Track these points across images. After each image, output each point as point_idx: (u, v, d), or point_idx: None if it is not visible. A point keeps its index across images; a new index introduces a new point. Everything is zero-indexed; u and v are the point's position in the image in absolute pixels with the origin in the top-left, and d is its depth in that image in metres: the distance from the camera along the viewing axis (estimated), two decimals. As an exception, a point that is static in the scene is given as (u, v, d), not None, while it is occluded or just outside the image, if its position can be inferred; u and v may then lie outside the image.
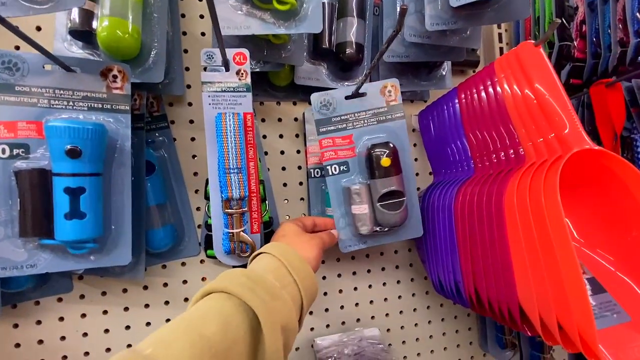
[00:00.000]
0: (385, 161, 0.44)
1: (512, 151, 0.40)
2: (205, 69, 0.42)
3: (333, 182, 0.47)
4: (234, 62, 0.40)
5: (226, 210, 0.39)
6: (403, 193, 0.46)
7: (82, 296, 0.50)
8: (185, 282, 0.54)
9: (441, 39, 0.47)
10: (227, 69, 0.40)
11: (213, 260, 0.54)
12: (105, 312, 0.51)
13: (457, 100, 0.52)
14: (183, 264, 0.54)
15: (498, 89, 0.42)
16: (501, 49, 0.68)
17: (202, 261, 0.55)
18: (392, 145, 0.45)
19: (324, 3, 0.50)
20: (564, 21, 0.61)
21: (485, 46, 0.70)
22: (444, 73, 0.58)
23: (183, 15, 0.54)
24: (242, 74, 0.40)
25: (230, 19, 0.40)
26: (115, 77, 0.39)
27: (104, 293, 0.51)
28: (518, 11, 0.42)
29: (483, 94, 0.46)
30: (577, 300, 0.29)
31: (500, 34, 0.69)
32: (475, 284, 0.43)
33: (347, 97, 0.47)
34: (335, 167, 0.47)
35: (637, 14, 0.59)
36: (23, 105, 0.36)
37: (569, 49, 0.63)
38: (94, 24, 0.40)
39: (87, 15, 0.40)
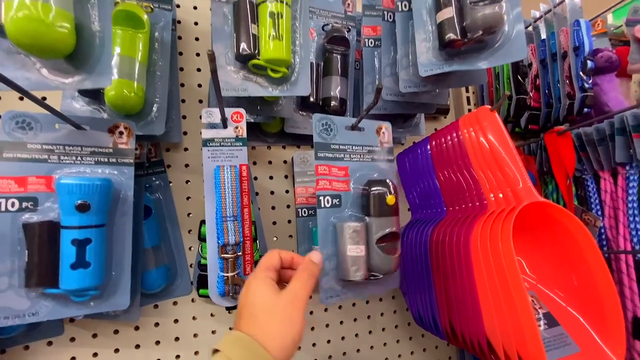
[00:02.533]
0: (391, 199, 0.43)
1: (477, 200, 0.46)
2: (200, 118, 0.47)
3: (323, 217, 0.44)
4: (232, 119, 0.45)
5: (222, 255, 0.42)
6: (399, 235, 0.44)
7: (72, 339, 0.50)
8: (176, 321, 0.55)
9: (414, 97, 0.54)
10: (225, 126, 0.44)
11: (204, 299, 0.56)
12: (95, 354, 0.51)
13: (429, 147, 0.58)
14: (175, 303, 0.56)
15: (462, 142, 0.49)
16: (468, 98, 0.77)
17: (193, 300, 0.57)
18: (393, 184, 0.44)
19: (311, 63, 0.56)
20: (519, 78, 0.70)
21: (454, 94, 0.78)
22: (418, 121, 0.65)
23: (181, 69, 0.59)
24: (239, 130, 0.45)
25: (229, 82, 0.45)
26: (121, 133, 0.43)
27: (94, 335, 0.51)
28: (477, 78, 0.50)
29: (450, 144, 0.52)
30: (530, 333, 0.34)
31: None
32: (449, 318, 0.48)
33: (347, 128, 0.47)
34: (328, 199, 0.44)
35: (581, 73, 0.69)
36: (34, 161, 0.39)
37: (525, 100, 0.72)
38: (103, 85, 0.44)
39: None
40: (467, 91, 0.77)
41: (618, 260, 0.61)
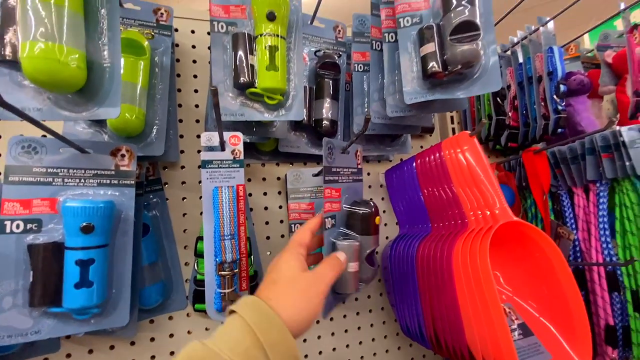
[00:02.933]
0: (378, 219, 0.48)
1: (459, 218, 0.50)
2: (197, 137, 0.49)
3: (326, 237, 0.46)
4: (230, 143, 0.47)
5: (220, 273, 0.45)
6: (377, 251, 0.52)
7: (68, 355, 0.51)
8: (172, 335, 0.57)
9: (400, 120, 0.58)
10: (223, 149, 0.47)
11: (199, 314, 0.58)
12: (91, 370, 0.52)
13: (414, 165, 0.62)
14: (170, 317, 0.57)
15: (444, 162, 0.53)
16: (452, 117, 0.81)
17: (188, 314, 0.58)
18: (375, 204, 0.49)
19: (304, 87, 0.59)
20: (499, 100, 0.75)
21: (438, 113, 0.82)
22: (404, 140, 0.69)
23: (179, 90, 0.62)
24: (237, 153, 0.48)
25: (227, 107, 0.47)
26: (123, 155, 0.45)
27: (90, 351, 0.52)
28: (458, 105, 0.54)
29: (434, 164, 0.56)
30: (504, 343, 0.37)
31: (450, 104, 0.83)
32: (434, 328, 0.51)
33: (341, 152, 0.51)
34: (329, 221, 0.47)
35: (555, 96, 0.74)
36: (39, 184, 0.40)
37: (504, 121, 0.76)
38: (106, 109, 0.46)
39: (101, 103, 0.46)
40: (450, 111, 0.82)
41: (591, 271, 0.65)
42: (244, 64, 0.46)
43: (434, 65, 0.46)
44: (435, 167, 0.54)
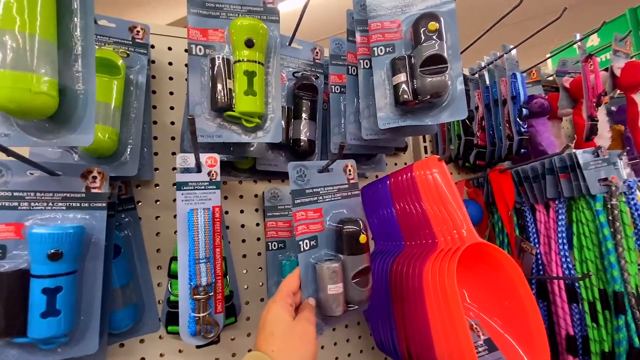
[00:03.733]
0: (363, 238, 0.46)
1: (430, 238, 0.52)
2: (172, 154, 0.49)
3: (304, 259, 0.46)
4: (206, 164, 0.48)
5: (194, 297, 0.44)
6: (370, 268, 0.48)
7: (30, 385, 0.49)
8: (143, 359, 0.55)
9: (374, 142, 0.60)
10: (200, 171, 0.47)
11: (172, 336, 0.57)
12: (55, 399, 0.50)
13: (388, 183, 0.64)
14: (142, 340, 0.56)
15: (416, 182, 0.55)
16: (424, 136, 0.85)
17: (160, 337, 0.57)
18: (363, 222, 0.47)
19: (282, 107, 0.60)
20: (467, 121, 0.80)
21: (412, 132, 0.86)
22: (380, 159, 0.71)
23: (154, 107, 0.61)
24: (213, 174, 0.48)
25: (204, 129, 0.48)
26: (94, 177, 0.44)
27: (55, 379, 0.50)
28: (429, 130, 0.57)
29: (406, 184, 0.58)
30: (468, 356, 0.39)
31: (423, 123, 0.86)
32: (407, 344, 0.52)
33: (319, 171, 0.49)
34: (307, 243, 0.46)
35: (517, 119, 0.80)
36: (4, 209, 0.39)
37: (472, 141, 0.81)
38: (77, 130, 0.45)
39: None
40: (422, 135, 0.85)
41: (552, 283, 0.70)
42: (222, 88, 0.46)
43: (405, 94, 0.48)
44: (407, 187, 0.57)
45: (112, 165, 0.49)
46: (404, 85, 0.48)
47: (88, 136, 0.34)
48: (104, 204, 0.44)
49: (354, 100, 0.59)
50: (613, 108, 1.04)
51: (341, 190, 0.51)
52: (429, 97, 0.47)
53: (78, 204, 0.43)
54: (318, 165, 0.49)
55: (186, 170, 0.47)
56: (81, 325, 0.42)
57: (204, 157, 0.48)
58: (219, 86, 0.46)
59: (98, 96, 0.46)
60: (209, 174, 0.48)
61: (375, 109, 0.52)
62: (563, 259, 0.70)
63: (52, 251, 0.37)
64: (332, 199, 0.50)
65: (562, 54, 0.99)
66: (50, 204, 0.41)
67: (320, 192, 0.49)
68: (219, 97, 0.46)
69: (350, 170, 0.52)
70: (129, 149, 0.51)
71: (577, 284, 0.68)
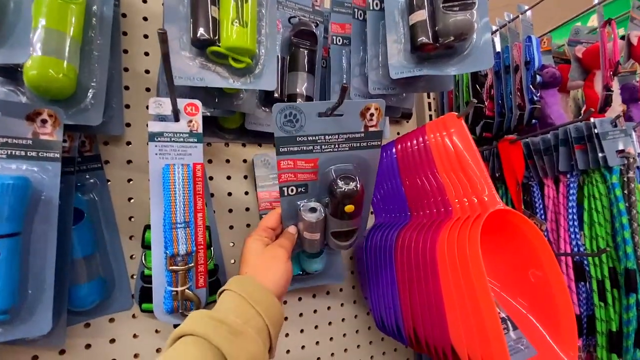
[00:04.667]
0: (349, 208, 0.42)
1: (442, 206, 0.46)
2: (147, 108, 0.41)
3: (287, 203, 0.43)
4: (185, 112, 0.39)
5: (170, 268, 0.37)
6: (356, 230, 0.46)
7: (-26, 370, 0.41)
8: (113, 341, 0.48)
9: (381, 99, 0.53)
10: (177, 119, 0.39)
11: (147, 315, 0.50)
12: (7, 387, 0.43)
13: (394, 151, 0.57)
14: (111, 320, 0.49)
15: (429, 146, 0.49)
16: (429, 103, 0.78)
17: (134, 315, 0.50)
18: (359, 188, 0.41)
19: (277, 56, 0.52)
20: (477, 87, 0.73)
21: (415, 99, 0.79)
22: (382, 124, 0.64)
23: (125, 51, 0.52)
24: (193, 124, 0.40)
25: (183, 69, 0.39)
26: (44, 121, 0.35)
27: (5, 364, 0.43)
28: (444, 84, 0.50)
29: (416, 148, 0.52)
30: (495, 340, 0.34)
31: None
32: (414, 325, 0.47)
33: (320, 115, 0.39)
34: (292, 189, 0.42)
35: (530, 86, 0.74)
36: None
37: (482, 109, 0.75)
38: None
39: (13, 52, 0.36)
40: (428, 97, 0.79)
41: (559, 261, 0.66)
42: (205, 17, 0.38)
43: (423, 36, 0.41)
44: (418, 153, 0.50)
45: (70, 112, 0.40)
46: (422, 26, 0.41)
47: (21, 51, 0.25)
48: (57, 155, 0.36)
49: (360, 50, 0.52)
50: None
51: (352, 139, 0.41)
52: (451, 38, 0.40)
53: (23, 152, 0.34)
54: (318, 108, 0.38)
55: (161, 118, 0.39)
56: (29, 301, 0.34)
57: (182, 103, 0.39)
58: (202, 14, 0.38)
59: (49, 22, 0.37)
60: (189, 123, 0.40)
61: (386, 57, 0.45)
62: (572, 236, 0.66)
63: (-18, 206, 0.29)
64: (336, 149, 0.41)
65: (576, 21, 0.93)
66: (-15, 150, 0.33)
67: (318, 141, 0.39)
68: (201, 27, 0.38)
69: (372, 115, 0.40)
70: (90, 94, 0.42)
71: (585, 262, 0.64)
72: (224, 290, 0.37)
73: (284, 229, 0.46)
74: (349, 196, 0.41)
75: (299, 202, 0.43)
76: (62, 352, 0.45)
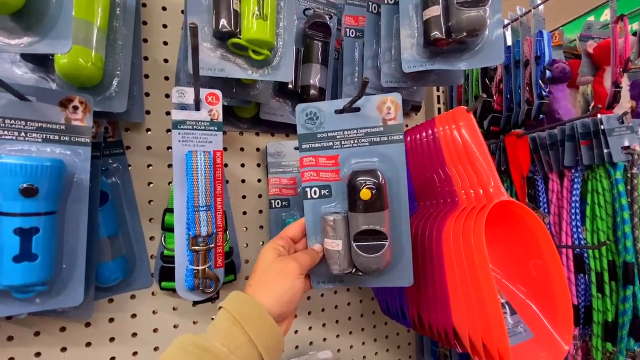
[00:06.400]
0: (365, 193, 0.37)
1: (449, 196, 0.48)
2: (166, 97, 0.43)
3: (311, 208, 0.41)
4: (206, 101, 0.41)
5: (193, 248, 0.40)
6: (385, 235, 0.39)
7: (10, 338, 0.45)
8: (134, 316, 0.51)
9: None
10: (198, 108, 0.41)
11: (166, 292, 0.53)
12: (38, 354, 0.46)
13: (404, 142, 0.59)
14: (133, 296, 0.52)
15: (438, 139, 0.50)
16: (438, 97, 0.79)
17: (153, 293, 0.53)
18: (379, 174, 0.38)
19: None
20: (487, 80, 0.74)
21: (425, 93, 0.80)
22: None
23: (145, 40, 0.53)
24: (214, 113, 0.42)
25: (205, 60, 0.41)
26: (75, 107, 0.38)
27: (37, 333, 0.46)
28: (454, 79, 0.51)
29: (425, 140, 0.54)
30: (495, 323, 0.36)
31: (437, 83, 0.80)
32: (418, 309, 0.50)
33: (337, 112, 0.41)
34: (315, 191, 0.41)
35: (540, 81, 0.74)
36: (-36, 135, 0.33)
37: (490, 103, 0.75)
38: (53, 50, 0.38)
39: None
40: (437, 90, 0.80)
41: (560, 253, 0.68)
42: (227, 10, 0.39)
43: (437, 31, 0.42)
44: (427, 144, 0.52)
45: (97, 99, 0.43)
46: (436, 21, 0.42)
47: (64, 42, 0.27)
48: (88, 140, 0.38)
49: (373, 43, 0.53)
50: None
51: (371, 134, 0.40)
52: (464, 34, 0.41)
53: (57, 137, 0.37)
54: (335, 106, 0.40)
55: (183, 107, 0.41)
56: (63, 275, 0.37)
57: (204, 93, 0.41)
58: (223, 7, 0.39)
59: (78, 12, 0.39)
60: (209, 112, 0.42)
61: (399, 51, 0.46)
62: (574, 229, 0.68)
63: (24, 186, 0.31)
64: (356, 144, 0.40)
65: (588, 15, 0.92)
66: (23, 133, 0.35)
67: (337, 137, 0.41)
68: (222, 20, 0.39)
69: (389, 108, 0.40)
70: (115, 82, 0.44)
71: (585, 255, 0.66)
72: (221, 307, 0.34)
73: (308, 246, 0.42)
74: (365, 179, 0.38)
75: (323, 208, 0.41)
76: (87, 324, 0.49)
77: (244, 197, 0.60)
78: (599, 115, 0.64)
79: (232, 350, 0.30)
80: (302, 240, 0.42)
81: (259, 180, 0.62)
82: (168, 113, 0.54)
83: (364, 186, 0.37)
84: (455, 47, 0.44)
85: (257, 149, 0.62)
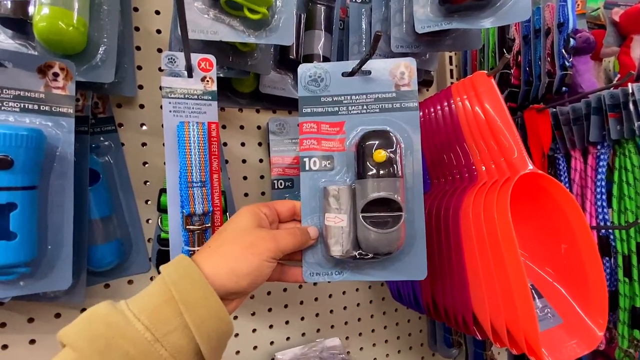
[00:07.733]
0: (379, 154, 0.32)
1: (466, 171, 0.44)
2: (159, 70, 0.39)
3: (309, 180, 0.35)
4: (199, 68, 0.38)
5: (187, 227, 0.37)
6: (400, 206, 0.32)
7: (2, 324, 0.43)
8: (132, 301, 0.49)
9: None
10: (190, 75, 0.37)
11: (165, 277, 0.50)
12: (32, 341, 0.44)
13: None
14: (130, 282, 0.49)
15: (454, 110, 0.46)
16: (451, 70, 0.74)
17: (151, 278, 0.50)
18: (392, 136, 0.34)
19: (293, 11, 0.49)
20: (505, 51, 0.69)
21: (437, 67, 0.75)
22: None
23: (136, 9, 0.50)
24: (208, 81, 0.38)
25: (196, 22, 0.37)
26: (56, 75, 0.34)
27: (31, 320, 0.44)
28: (472, 42, 0.46)
29: (440, 113, 0.49)
30: (523, 307, 0.33)
31: (450, 57, 0.75)
32: (432, 293, 0.46)
33: (345, 74, 0.36)
34: (314, 161, 0.35)
35: (563, 50, 0.69)
36: None
37: (508, 76, 0.70)
38: (30, 11, 0.35)
39: (22, 1, 0.34)
40: (450, 64, 0.75)
41: (583, 236, 0.63)
42: (219, -38, 0.35)
43: (454, -17, 0.38)
44: (442, 118, 0.48)
45: (81, 68, 0.39)
46: (453, -29, 0.38)
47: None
48: (70, 110, 0.35)
49: (382, 5, 0.48)
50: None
51: (382, 100, 0.36)
52: (486, -15, 0.36)
53: (36, 106, 0.34)
54: (343, 67, 0.35)
55: (174, 74, 0.38)
56: (49, 255, 0.34)
57: (196, 58, 0.38)
58: (215, -41, 0.35)
59: (56, -30, 0.35)
60: (202, 80, 0.38)
61: (410, 11, 0.42)
62: (599, 210, 0.63)
63: (-3, 156, 0.28)
64: (364, 111, 0.36)
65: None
66: (-2, 102, 0.32)
67: (344, 102, 0.35)
68: (214, -26, 0.35)
69: (403, 73, 0.35)
70: (102, 50, 0.41)
71: (612, 237, 0.61)
72: (160, 273, 0.28)
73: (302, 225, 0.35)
74: (378, 140, 0.33)
75: (323, 181, 0.35)
76: (82, 310, 0.46)
77: (245, 178, 0.57)
78: (629, 85, 0.58)
79: (159, 337, 0.24)
80: (289, 223, 0.36)
81: (261, 161, 0.58)
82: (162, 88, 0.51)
83: (377, 147, 0.32)
84: (474, 3, 0.40)
85: (258, 127, 0.58)
